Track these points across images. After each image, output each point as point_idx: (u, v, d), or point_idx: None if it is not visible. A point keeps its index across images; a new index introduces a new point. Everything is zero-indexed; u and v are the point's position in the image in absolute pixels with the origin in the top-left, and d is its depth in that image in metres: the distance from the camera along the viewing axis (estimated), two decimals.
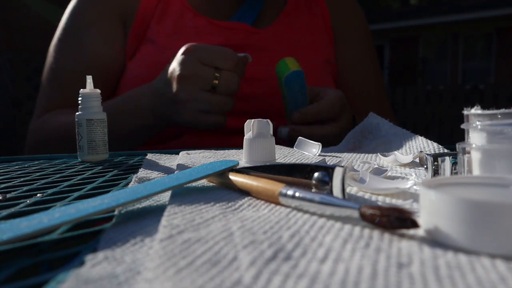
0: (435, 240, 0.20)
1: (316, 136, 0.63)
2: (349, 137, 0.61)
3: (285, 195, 0.26)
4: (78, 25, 0.83)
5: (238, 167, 0.34)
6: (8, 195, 0.35)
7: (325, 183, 0.27)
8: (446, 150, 0.46)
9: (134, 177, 0.39)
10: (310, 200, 0.24)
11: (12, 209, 0.30)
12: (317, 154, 0.51)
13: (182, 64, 0.63)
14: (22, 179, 0.43)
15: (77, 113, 0.54)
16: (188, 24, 0.81)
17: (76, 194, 0.35)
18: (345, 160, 0.47)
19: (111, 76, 0.82)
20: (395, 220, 0.20)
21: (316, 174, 0.28)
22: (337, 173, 0.27)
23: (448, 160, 0.33)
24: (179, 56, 0.64)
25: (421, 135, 0.54)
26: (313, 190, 0.28)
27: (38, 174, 0.47)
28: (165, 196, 0.31)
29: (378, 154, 0.49)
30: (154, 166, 0.47)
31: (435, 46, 10.43)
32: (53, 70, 0.83)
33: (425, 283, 0.15)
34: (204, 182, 0.34)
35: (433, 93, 4.10)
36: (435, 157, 0.34)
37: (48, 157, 0.62)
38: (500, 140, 0.27)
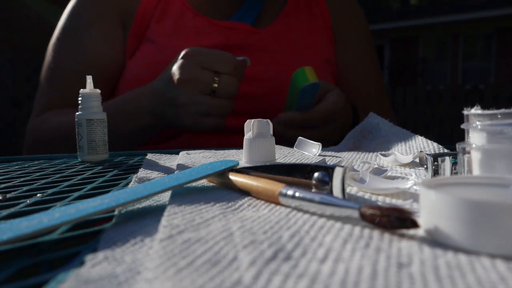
0: (435, 240, 0.20)
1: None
2: (349, 137, 0.61)
3: (285, 195, 0.26)
4: (78, 25, 0.83)
5: (238, 167, 0.34)
6: (8, 195, 0.35)
7: (325, 183, 0.27)
8: (446, 150, 0.46)
9: (134, 177, 0.39)
10: (310, 200, 0.24)
11: (12, 209, 0.30)
12: (317, 154, 0.51)
13: (182, 68, 0.63)
14: (22, 179, 0.43)
15: (77, 113, 0.54)
16: (188, 24, 0.81)
17: (76, 194, 0.35)
18: (345, 160, 0.47)
19: (111, 76, 0.82)
20: (395, 220, 0.20)
21: (316, 174, 0.28)
22: (337, 173, 0.27)
23: (448, 160, 0.33)
24: (178, 60, 0.65)
25: (421, 135, 0.54)
26: (313, 190, 0.28)
27: (38, 174, 0.47)
28: (165, 196, 0.31)
29: (378, 154, 0.49)
30: (154, 166, 0.47)
31: (435, 46, 10.43)
32: (52, 69, 0.83)
33: (425, 283, 0.15)
34: (204, 182, 0.34)
35: (433, 93, 4.10)
36: (435, 157, 0.34)
37: (48, 157, 0.62)
38: (500, 140, 0.27)
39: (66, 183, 0.40)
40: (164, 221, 0.23)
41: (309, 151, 0.53)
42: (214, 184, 0.34)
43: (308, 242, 0.19)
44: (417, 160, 0.45)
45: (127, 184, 0.38)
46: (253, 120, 0.46)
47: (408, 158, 0.44)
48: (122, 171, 0.46)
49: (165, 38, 0.80)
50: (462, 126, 0.30)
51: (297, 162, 0.46)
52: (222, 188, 0.32)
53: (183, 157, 0.50)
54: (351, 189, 0.31)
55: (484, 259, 0.17)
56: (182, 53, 0.65)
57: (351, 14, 0.96)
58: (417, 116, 3.99)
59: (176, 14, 0.82)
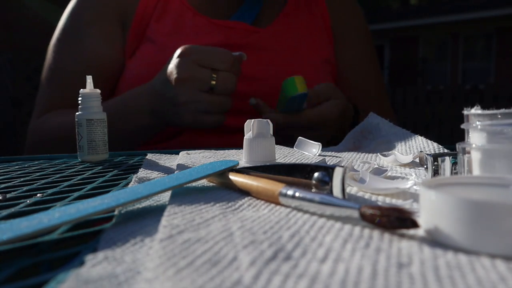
0: (435, 240, 0.20)
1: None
2: (349, 137, 0.61)
3: (285, 195, 0.26)
4: (78, 25, 0.83)
5: (238, 167, 0.34)
6: (8, 195, 0.35)
7: (325, 183, 0.27)
8: (446, 150, 0.46)
9: (134, 177, 0.39)
10: (310, 200, 0.24)
11: (12, 209, 0.30)
12: (317, 154, 0.51)
13: (179, 67, 0.63)
14: (22, 179, 0.43)
15: (77, 113, 0.54)
16: (188, 23, 0.81)
17: (76, 194, 0.35)
18: (345, 160, 0.47)
19: (111, 76, 0.82)
20: (395, 220, 0.20)
21: (316, 174, 0.28)
22: (337, 173, 0.27)
23: (448, 160, 0.33)
24: (175, 59, 0.65)
25: (421, 135, 0.54)
26: (313, 190, 0.28)
27: (38, 174, 0.47)
28: (165, 196, 0.31)
29: (378, 154, 0.49)
30: (154, 166, 0.47)
31: (435, 46, 10.43)
32: (52, 70, 0.83)
33: (425, 283, 0.15)
34: (204, 182, 0.34)
35: (433, 93, 4.10)
36: (435, 157, 0.34)
37: (48, 157, 0.62)
38: (500, 140, 0.27)
39: (66, 183, 0.40)
40: (164, 221, 0.23)
41: (309, 151, 0.53)
42: (214, 184, 0.34)
43: (308, 242, 0.19)
44: (417, 160, 0.45)
45: (127, 184, 0.38)
46: (253, 120, 0.46)
47: (408, 158, 0.44)
48: (122, 171, 0.46)
49: (164, 37, 0.80)
50: (462, 126, 0.30)
51: (297, 162, 0.46)
52: (222, 188, 0.32)
53: (183, 157, 0.50)
54: (351, 189, 0.31)
55: (484, 259, 0.17)
56: (178, 51, 0.65)
57: (351, 14, 0.96)
58: (417, 116, 3.99)
59: (175, 14, 0.82)
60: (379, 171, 0.37)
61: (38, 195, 0.35)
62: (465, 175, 0.28)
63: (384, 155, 0.46)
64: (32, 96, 0.96)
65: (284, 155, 0.51)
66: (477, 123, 0.28)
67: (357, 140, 0.60)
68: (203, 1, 0.85)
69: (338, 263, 0.17)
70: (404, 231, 0.21)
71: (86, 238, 0.24)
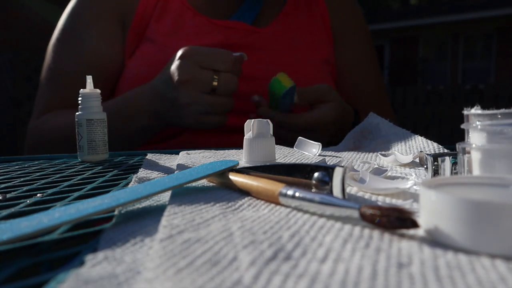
0: (435, 240, 0.20)
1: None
2: (349, 137, 0.61)
3: (285, 195, 0.26)
4: (78, 25, 0.83)
5: (238, 167, 0.34)
6: (8, 195, 0.35)
7: (325, 183, 0.27)
8: (446, 150, 0.46)
9: (134, 177, 0.39)
10: (310, 200, 0.24)
11: (12, 209, 0.30)
12: (317, 154, 0.51)
13: (180, 69, 0.63)
14: (22, 179, 0.43)
15: (77, 113, 0.54)
16: (188, 23, 0.81)
17: (76, 194, 0.35)
18: (345, 160, 0.47)
19: (111, 76, 0.82)
20: (395, 220, 0.20)
21: (316, 174, 0.28)
22: (337, 173, 0.27)
23: (448, 160, 0.33)
24: (176, 61, 0.65)
25: (421, 135, 0.54)
26: (313, 190, 0.28)
27: (38, 174, 0.47)
28: (165, 196, 0.31)
29: (378, 154, 0.49)
30: (154, 166, 0.47)
31: (435, 46, 10.43)
32: (52, 70, 0.83)
33: (425, 283, 0.15)
34: (204, 182, 0.34)
35: (433, 93, 4.09)
36: (435, 157, 0.34)
37: (48, 157, 0.62)
38: (500, 140, 0.27)
39: (66, 183, 0.40)
40: (164, 221, 0.23)
41: (309, 151, 0.53)
42: (214, 184, 0.34)
43: (308, 242, 0.19)
44: (417, 160, 0.45)
45: (127, 184, 0.38)
46: (253, 120, 0.46)
47: (408, 158, 0.44)
48: (122, 171, 0.46)
49: (164, 37, 0.80)
50: (462, 126, 0.30)
51: (297, 162, 0.46)
52: (222, 188, 0.32)
53: (183, 157, 0.50)
54: (351, 189, 0.31)
55: (484, 259, 0.17)
56: (179, 53, 0.65)
57: (351, 14, 0.96)
58: (417, 116, 3.99)
59: (175, 13, 0.82)
60: (379, 171, 0.37)
61: (38, 195, 0.35)
62: (465, 175, 0.28)
63: (384, 155, 0.46)
64: (32, 96, 0.96)
65: (284, 155, 0.51)
66: (477, 123, 0.28)
67: (357, 140, 0.60)
68: (203, 1, 0.85)
69: (338, 263, 0.17)
70: (404, 231, 0.21)
71: (86, 238, 0.24)
